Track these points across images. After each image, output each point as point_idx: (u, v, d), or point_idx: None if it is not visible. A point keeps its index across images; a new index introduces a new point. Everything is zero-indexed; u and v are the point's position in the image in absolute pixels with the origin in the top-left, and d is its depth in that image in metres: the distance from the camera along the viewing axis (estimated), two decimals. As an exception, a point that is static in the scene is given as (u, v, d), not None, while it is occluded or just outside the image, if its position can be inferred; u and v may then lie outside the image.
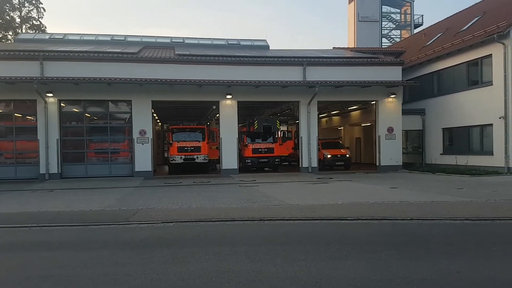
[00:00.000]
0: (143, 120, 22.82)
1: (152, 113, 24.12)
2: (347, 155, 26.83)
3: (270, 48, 30.48)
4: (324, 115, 34.98)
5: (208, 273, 5.66)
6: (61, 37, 29.23)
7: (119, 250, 7.20)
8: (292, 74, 23.63)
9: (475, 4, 29.22)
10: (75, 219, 10.05)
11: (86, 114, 23.70)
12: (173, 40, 30.35)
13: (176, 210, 11.11)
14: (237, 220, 9.50)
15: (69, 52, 22.97)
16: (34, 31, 44.63)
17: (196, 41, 30.45)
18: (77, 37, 29.37)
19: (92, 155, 23.33)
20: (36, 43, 26.94)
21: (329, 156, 26.11)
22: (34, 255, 7.09)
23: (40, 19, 47.33)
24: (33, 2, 46.78)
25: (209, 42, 30.35)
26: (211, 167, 26.64)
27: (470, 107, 22.70)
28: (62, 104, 22.74)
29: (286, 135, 31.84)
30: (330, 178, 20.16)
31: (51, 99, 21.92)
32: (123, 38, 29.67)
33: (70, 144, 23.13)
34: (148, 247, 7.31)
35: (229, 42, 30.32)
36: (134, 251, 7.01)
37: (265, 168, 25.80)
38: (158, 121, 35.14)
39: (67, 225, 9.38)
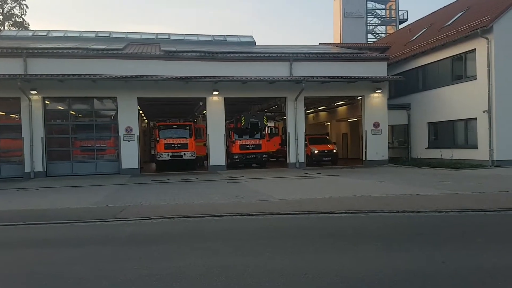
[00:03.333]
0: (129, 117, 22.64)
1: (138, 110, 23.95)
2: (334, 151, 26.99)
3: (257, 44, 30.44)
4: (311, 110, 35.09)
5: (196, 268, 5.66)
6: (45, 34, 28.79)
7: (106, 246, 7.15)
8: (279, 70, 23.65)
9: (459, -1, 29.56)
10: (62, 216, 9.94)
11: (71, 112, 23.43)
12: (158, 37, 30.10)
13: (163, 207, 11.06)
14: (225, 215, 9.50)
15: (53, 49, 22.67)
16: (17, 28, 43.94)
17: (182, 38, 30.24)
18: (61, 34, 28.97)
19: (78, 153, 23.09)
20: (19, 40, 26.52)
21: (316, 151, 26.24)
22: (21, 252, 7.01)
23: (23, 16, 46.68)
24: (16, -2, 46.03)
25: (195, 38, 30.18)
26: (199, 164, 26.57)
27: (454, 101, 22.98)
28: (46, 102, 22.45)
29: (274, 131, 31.88)
30: (318, 173, 20.25)
31: (35, 96, 21.63)
32: (107, 35, 29.34)
33: (55, 142, 22.85)
34: (135, 243, 7.28)
35: (215, 38, 30.20)
36: (122, 248, 6.98)
37: (253, 164, 25.82)
38: (144, 118, 34.91)
39: (54, 223, 9.28)
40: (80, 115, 24.22)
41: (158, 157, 24.60)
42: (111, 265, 5.98)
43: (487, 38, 20.44)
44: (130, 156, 22.50)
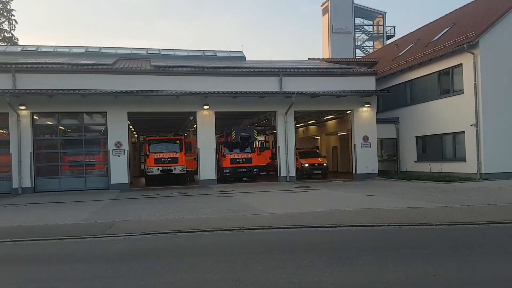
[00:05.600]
0: (118, 132, 22.53)
1: (128, 124, 23.87)
2: (324, 164, 27.06)
3: (247, 59, 30.64)
4: (301, 124, 35.22)
5: (187, 283, 5.61)
6: (34, 49, 28.72)
7: (95, 263, 7.05)
8: (269, 84, 23.80)
9: (445, 15, 30.14)
10: (50, 233, 9.81)
11: (60, 127, 23.27)
12: (148, 52, 30.19)
13: (153, 222, 10.97)
14: (216, 230, 9.45)
15: (42, 64, 22.60)
16: (6, 44, 43.73)
17: (172, 53, 30.36)
18: (51, 49, 28.91)
19: (67, 168, 22.86)
20: (8, 55, 26.37)
21: (306, 165, 26.29)
22: (8, 269, 6.89)
23: (12, 31, 46.42)
24: (5, 14, 45.92)
25: (185, 53, 30.31)
26: (189, 178, 26.46)
27: (442, 115, 23.25)
28: (35, 117, 22.28)
29: (264, 145, 31.93)
30: (308, 187, 20.27)
31: (24, 111, 21.47)
32: (97, 50, 29.34)
33: (43, 158, 22.63)
34: (125, 259, 7.20)
35: (206, 54, 30.35)
36: (111, 264, 6.89)
37: (244, 178, 25.78)
38: (134, 132, 34.78)
39: (42, 239, 9.15)
40: (69, 130, 24.05)
41: (148, 172, 24.46)
42: (100, 282, 5.90)
43: (473, 53, 20.80)
44: (119, 171, 22.33)
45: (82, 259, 7.42)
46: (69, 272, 6.46)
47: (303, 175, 25.85)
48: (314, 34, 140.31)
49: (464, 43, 20.93)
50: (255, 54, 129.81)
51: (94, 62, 23.98)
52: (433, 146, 24.52)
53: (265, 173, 30.90)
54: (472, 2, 27.94)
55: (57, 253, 7.99)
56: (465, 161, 21.67)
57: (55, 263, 7.18)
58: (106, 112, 22.59)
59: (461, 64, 21.82)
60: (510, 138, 20.78)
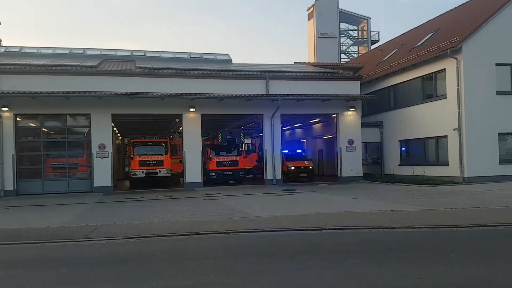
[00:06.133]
0: (102, 134, 22.29)
1: (112, 126, 23.63)
2: (310, 167, 27.18)
3: (233, 62, 30.61)
4: (287, 128, 35.34)
5: None
6: (17, 50, 28.28)
7: (78, 267, 6.95)
8: (255, 87, 23.80)
9: (429, 20, 30.56)
10: (32, 236, 9.64)
11: (43, 129, 22.89)
12: (134, 53, 29.94)
13: (137, 226, 10.85)
14: (201, 233, 9.39)
15: (26, 65, 22.24)
16: (-13, 44, 43.00)
17: (158, 55, 30.16)
18: (34, 50, 28.48)
19: (50, 171, 22.51)
20: (-10, 56, 25.94)
21: (293, 168, 26.38)
22: (-13, 275, 6.74)
23: (-6, 31, 45.74)
24: (-13, 13, 45.22)
25: (171, 55, 30.14)
26: (174, 181, 26.29)
27: (425, 119, 23.53)
28: (18, 119, 21.90)
29: (251, 148, 31.89)
30: (294, 190, 20.31)
31: (6, 113, 21.10)
32: (82, 51, 29.02)
33: (26, 160, 22.25)
34: (108, 264, 7.12)
35: (192, 56, 30.22)
36: (94, 269, 6.80)
37: (230, 181, 25.69)
38: (119, 135, 34.43)
39: (24, 243, 8.98)
40: (52, 132, 23.68)
41: (132, 175, 24.22)
42: (83, 287, 5.82)
43: (456, 58, 21.09)
44: (103, 173, 22.07)
45: (64, 263, 7.31)
46: (52, 277, 6.36)
47: (290, 178, 25.93)
48: (300, 38, 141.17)
49: (448, 49, 21.22)
50: (241, 58, 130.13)
51: (78, 63, 23.71)
52: (416, 150, 24.80)
53: (252, 176, 30.89)
54: (455, 8, 28.40)
55: (39, 258, 7.85)
56: (448, 165, 21.94)
57: (37, 267, 7.06)
58: (89, 114, 22.32)
59: (444, 69, 22.12)
60: (492, 142, 21.14)
